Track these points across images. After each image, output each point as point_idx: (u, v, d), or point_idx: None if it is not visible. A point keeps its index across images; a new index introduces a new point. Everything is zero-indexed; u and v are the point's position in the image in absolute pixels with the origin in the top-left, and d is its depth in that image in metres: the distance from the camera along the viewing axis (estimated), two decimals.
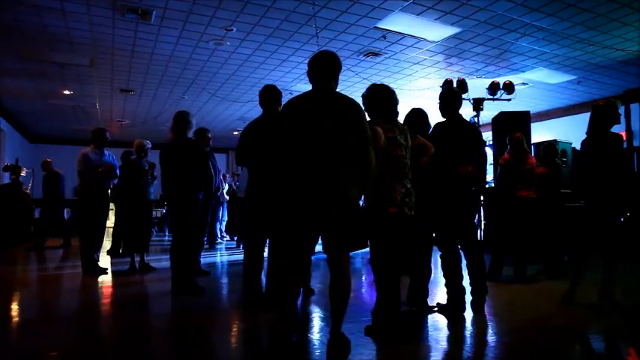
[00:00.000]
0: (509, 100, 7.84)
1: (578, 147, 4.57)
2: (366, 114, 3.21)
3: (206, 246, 7.70)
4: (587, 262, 3.95)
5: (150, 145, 6.32)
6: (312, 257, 6.73)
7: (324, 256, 2.86)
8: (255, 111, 4.24)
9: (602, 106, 3.94)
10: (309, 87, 2.85)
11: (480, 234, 7.01)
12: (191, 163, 4.54)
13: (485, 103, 7.95)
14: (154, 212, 11.47)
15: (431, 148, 3.48)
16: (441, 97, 3.92)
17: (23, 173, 10.51)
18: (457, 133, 3.77)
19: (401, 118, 3.47)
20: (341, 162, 2.57)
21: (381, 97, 3.21)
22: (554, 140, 7.53)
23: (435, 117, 3.86)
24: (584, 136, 4.01)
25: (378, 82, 3.46)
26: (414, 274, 3.79)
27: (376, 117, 3.18)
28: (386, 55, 7.65)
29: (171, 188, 4.57)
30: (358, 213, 2.66)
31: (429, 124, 3.86)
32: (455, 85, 7.52)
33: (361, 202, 2.87)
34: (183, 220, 4.54)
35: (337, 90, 2.80)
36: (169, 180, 4.54)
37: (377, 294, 3.13)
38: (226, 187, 9.82)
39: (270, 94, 4.10)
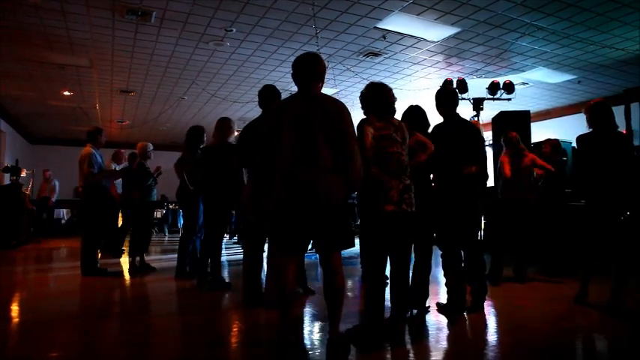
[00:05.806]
0: (509, 99, 7.85)
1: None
2: (363, 112, 3.29)
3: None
4: (595, 262, 3.90)
5: (152, 148, 6.37)
6: (312, 257, 6.78)
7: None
8: (256, 111, 4.25)
9: (603, 103, 3.90)
10: None
11: (480, 234, 6.99)
12: (232, 165, 4.76)
13: (486, 102, 7.95)
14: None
15: (431, 146, 3.47)
16: (438, 95, 3.89)
17: (23, 174, 10.53)
18: (459, 133, 3.76)
19: (398, 116, 3.46)
20: (317, 164, 2.56)
21: (374, 94, 3.22)
22: (555, 140, 7.51)
23: (434, 116, 3.85)
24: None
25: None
26: (415, 275, 3.78)
27: (370, 114, 3.19)
28: (386, 55, 7.65)
29: (214, 188, 4.78)
30: (345, 212, 2.65)
31: (427, 121, 3.83)
32: (455, 84, 7.52)
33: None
34: (222, 217, 4.86)
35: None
36: (212, 180, 4.79)
37: (364, 296, 3.08)
38: None
39: (269, 95, 4.10)
